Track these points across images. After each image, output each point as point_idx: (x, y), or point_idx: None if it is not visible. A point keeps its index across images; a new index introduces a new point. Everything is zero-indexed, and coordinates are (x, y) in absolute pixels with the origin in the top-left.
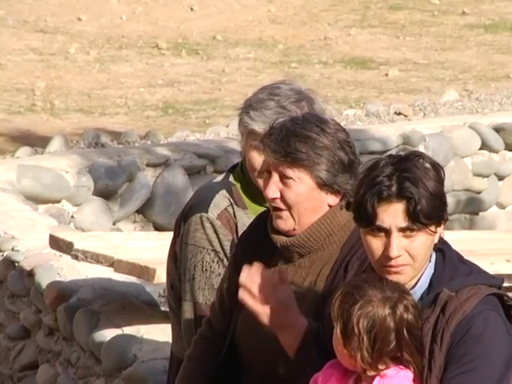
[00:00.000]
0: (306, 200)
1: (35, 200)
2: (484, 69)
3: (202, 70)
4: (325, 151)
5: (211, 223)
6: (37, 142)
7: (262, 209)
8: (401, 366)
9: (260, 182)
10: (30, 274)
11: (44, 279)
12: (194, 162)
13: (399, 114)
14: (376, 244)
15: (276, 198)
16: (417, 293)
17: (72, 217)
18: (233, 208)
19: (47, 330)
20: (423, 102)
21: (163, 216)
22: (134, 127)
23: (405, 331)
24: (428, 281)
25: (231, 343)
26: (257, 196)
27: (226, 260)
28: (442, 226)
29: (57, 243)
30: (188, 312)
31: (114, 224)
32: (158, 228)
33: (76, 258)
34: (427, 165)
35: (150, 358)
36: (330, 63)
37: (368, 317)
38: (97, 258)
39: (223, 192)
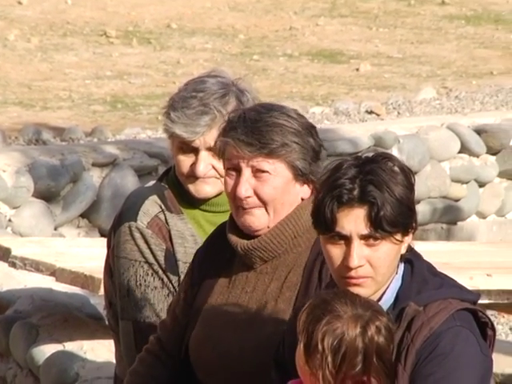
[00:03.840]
0: (282, 194)
1: None
2: (465, 64)
3: (154, 61)
4: (296, 138)
5: (141, 233)
6: None
7: (199, 212)
8: None
9: (191, 187)
10: None
11: None
12: (145, 161)
13: (371, 112)
14: (335, 252)
15: (249, 197)
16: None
17: (9, 220)
18: (164, 214)
19: None
20: (397, 100)
21: (110, 221)
22: (79, 123)
23: (374, 355)
24: (394, 295)
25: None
26: (191, 200)
27: (160, 271)
28: (411, 235)
29: None
30: (126, 332)
31: (55, 229)
32: (105, 234)
33: (14, 265)
34: (395, 168)
35: (93, 376)
36: (296, 56)
37: (334, 334)
38: (36, 266)
39: (153, 197)
